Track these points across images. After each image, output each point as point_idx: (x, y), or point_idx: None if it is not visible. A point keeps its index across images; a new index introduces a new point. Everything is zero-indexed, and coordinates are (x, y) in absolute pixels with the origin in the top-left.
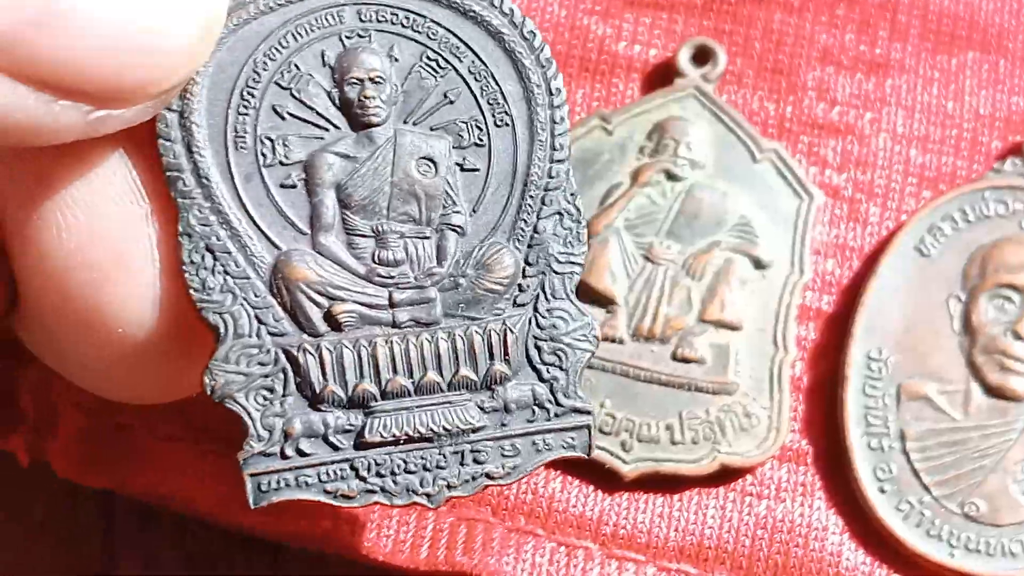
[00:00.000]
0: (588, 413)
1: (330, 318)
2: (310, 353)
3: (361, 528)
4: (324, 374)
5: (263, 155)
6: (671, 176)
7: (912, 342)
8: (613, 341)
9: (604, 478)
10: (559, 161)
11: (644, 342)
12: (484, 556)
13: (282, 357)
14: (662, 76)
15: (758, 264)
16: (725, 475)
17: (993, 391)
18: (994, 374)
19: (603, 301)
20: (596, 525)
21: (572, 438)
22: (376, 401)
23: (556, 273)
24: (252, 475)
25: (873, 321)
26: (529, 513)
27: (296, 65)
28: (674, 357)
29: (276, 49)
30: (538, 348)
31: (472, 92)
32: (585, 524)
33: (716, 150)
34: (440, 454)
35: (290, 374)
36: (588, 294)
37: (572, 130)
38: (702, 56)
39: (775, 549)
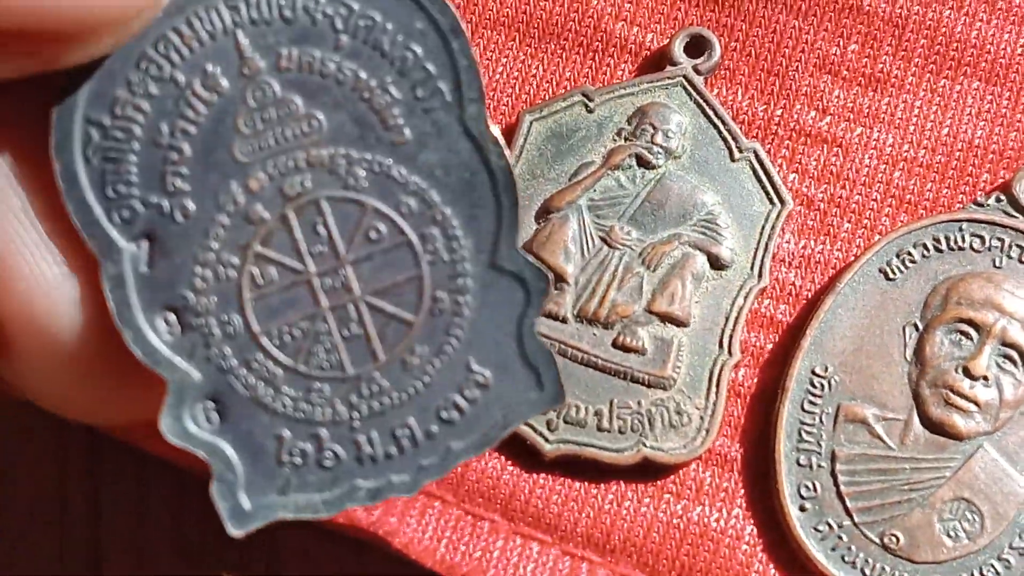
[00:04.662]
0: None
1: None
2: None
3: None
4: None
5: None
6: (644, 162)
7: (860, 364)
8: (556, 319)
9: (524, 455)
10: None
11: (587, 324)
12: (385, 515)
13: None
14: (655, 62)
15: (717, 263)
16: (647, 470)
17: (933, 426)
18: (937, 408)
19: (553, 278)
20: (507, 500)
21: None
22: None
23: None
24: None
25: (824, 337)
26: (441, 478)
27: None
28: (615, 344)
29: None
30: None
31: None
32: (496, 497)
33: (694, 142)
34: None
35: None
36: None
37: (552, 103)
38: (698, 46)
39: (684, 551)
